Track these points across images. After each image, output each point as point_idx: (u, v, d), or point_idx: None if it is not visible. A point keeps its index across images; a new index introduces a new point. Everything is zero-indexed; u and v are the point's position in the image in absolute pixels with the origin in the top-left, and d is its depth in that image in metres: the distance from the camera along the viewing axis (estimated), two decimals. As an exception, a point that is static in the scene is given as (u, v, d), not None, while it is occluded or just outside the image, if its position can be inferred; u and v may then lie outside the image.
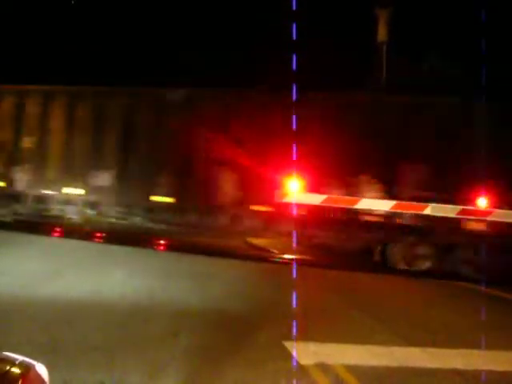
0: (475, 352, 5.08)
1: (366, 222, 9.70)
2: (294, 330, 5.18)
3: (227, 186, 10.02)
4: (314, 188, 9.44)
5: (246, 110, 10.32)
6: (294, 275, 8.36)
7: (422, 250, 9.44)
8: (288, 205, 9.60)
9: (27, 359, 1.62)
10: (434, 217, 9.21)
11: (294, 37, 10.80)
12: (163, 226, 10.81)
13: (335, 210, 9.66)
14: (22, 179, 11.21)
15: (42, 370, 1.65)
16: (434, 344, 5.25)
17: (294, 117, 8.94)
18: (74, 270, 7.67)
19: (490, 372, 4.53)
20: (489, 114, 9.07)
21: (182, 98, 10.49)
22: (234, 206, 10.08)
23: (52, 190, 11.12)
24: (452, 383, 4.35)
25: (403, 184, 9.35)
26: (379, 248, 9.74)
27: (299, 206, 9.59)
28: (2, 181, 11.41)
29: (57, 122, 11.25)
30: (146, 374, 3.97)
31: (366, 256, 9.78)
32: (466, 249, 9.31)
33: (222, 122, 10.29)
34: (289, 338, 4.98)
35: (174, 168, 10.44)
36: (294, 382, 4.04)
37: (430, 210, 9.17)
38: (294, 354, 4.65)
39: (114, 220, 10.91)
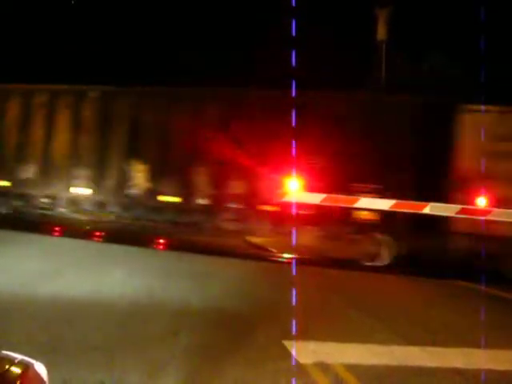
0: (475, 351, 5.08)
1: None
2: (294, 329, 5.17)
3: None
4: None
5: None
6: (294, 274, 8.37)
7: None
8: (288, 204, 9.61)
9: (26, 358, 1.62)
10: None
11: (294, 36, 10.80)
12: (84, 217, 11.32)
13: (334, 208, 9.66)
14: None
15: (41, 369, 1.65)
16: (434, 343, 5.25)
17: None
18: (73, 269, 7.67)
19: (490, 371, 4.53)
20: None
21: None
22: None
23: None
24: (452, 382, 4.35)
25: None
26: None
27: (299, 205, 9.59)
28: None
29: None
30: (145, 374, 3.97)
31: (366, 256, 9.76)
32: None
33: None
34: (288, 337, 4.98)
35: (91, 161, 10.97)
36: (294, 381, 4.04)
37: (429, 209, 9.18)
38: (294, 353, 4.65)
39: (41, 211, 11.35)
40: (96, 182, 10.89)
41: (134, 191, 10.59)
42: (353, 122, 9.70)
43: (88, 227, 11.24)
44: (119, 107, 11.01)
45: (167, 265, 8.77)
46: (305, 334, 5.09)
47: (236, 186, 10.10)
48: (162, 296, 6.50)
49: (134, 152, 10.73)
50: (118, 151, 10.83)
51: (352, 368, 4.36)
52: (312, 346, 4.92)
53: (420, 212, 9.21)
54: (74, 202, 11.21)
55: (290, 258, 9.89)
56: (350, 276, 8.99)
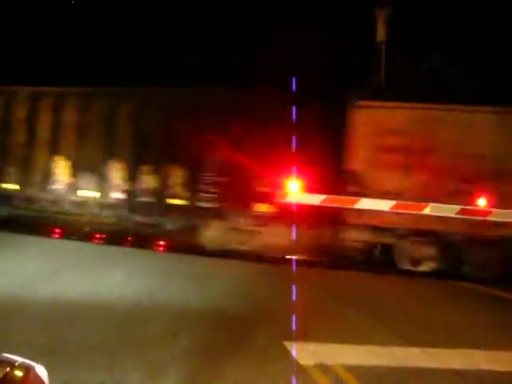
0: (475, 352, 5.09)
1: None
2: (294, 329, 5.18)
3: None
4: None
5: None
6: (294, 275, 8.37)
7: None
8: (288, 205, 9.61)
9: (27, 361, 1.62)
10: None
11: (294, 37, 10.81)
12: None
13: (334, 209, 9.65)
14: None
15: (41, 371, 1.64)
16: (434, 344, 5.25)
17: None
18: (73, 271, 7.68)
19: (490, 372, 4.54)
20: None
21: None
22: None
23: None
24: (452, 383, 4.36)
25: None
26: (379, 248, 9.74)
27: (298, 205, 9.59)
28: None
29: None
30: (145, 374, 3.98)
31: (366, 256, 9.77)
32: None
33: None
34: (288, 338, 4.98)
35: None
36: (294, 381, 4.05)
37: (430, 209, 9.18)
38: (294, 354, 4.65)
39: None
40: (23, 178, 11.34)
41: (57, 187, 11.05)
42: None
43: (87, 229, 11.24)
44: (43, 107, 11.43)
45: (167, 266, 8.77)
46: (305, 335, 5.10)
47: (147, 181, 10.49)
48: (162, 297, 6.50)
49: (56, 149, 11.20)
50: (43, 148, 11.30)
51: (352, 369, 4.37)
52: (312, 346, 4.92)
53: (421, 212, 9.21)
54: (5, 197, 11.56)
55: (289, 259, 9.89)
56: (349, 276, 9.00)
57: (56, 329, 4.90)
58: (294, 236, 9.26)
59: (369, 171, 9.25)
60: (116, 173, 10.60)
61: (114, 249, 10.04)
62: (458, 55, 13.50)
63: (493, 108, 9.16)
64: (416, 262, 9.33)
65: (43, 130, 11.28)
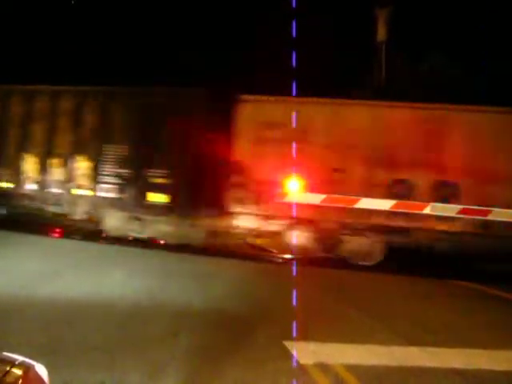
0: (475, 351, 5.09)
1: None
2: (294, 329, 5.18)
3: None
4: None
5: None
6: (294, 275, 8.37)
7: None
8: (288, 205, 9.63)
9: (27, 360, 1.63)
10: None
11: (294, 37, 10.83)
12: None
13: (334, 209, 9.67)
14: None
15: (41, 370, 1.65)
16: (434, 343, 5.25)
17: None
18: (73, 271, 7.68)
19: (490, 371, 4.54)
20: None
21: None
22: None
23: None
24: (452, 383, 4.35)
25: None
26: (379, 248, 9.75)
27: (298, 205, 9.62)
28: None
29: None
30: (146, 374, 3.98)
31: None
32: None
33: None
34: (289, 337, 4.99)
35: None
36: (294, 381, 4.05)
37: (430, 209, 9.20)
38: (294, 353, 4.66)
39: None
40: None
41: None
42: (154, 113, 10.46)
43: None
44: None
45: (167, 265, 8.77)
46: (305, 335, 5.10)
47: (56, 173, 10.89)
48: (162, 297, 6.50)
49: None
50: None
51: (352, 368, 4.37)
52: (312, 346, 4.92)
53: (421, 212, 9.22)
54: None
55: (290, 259, 9.91)
56: (349, 276, 9.00)
57: (56, 328, 4.90)
58: (188, 225, 10.07)
59: (251, 162, 9.74)
60: (30, 165, 11.11)
61: (115, 248, 10.05)
62: (458, 55, 13.50)
63: (365, 102, 9.93)
64: (301, 250, 9.83)
65: None
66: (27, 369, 1.57)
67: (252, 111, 9.87)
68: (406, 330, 5.76)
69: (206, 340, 4.91)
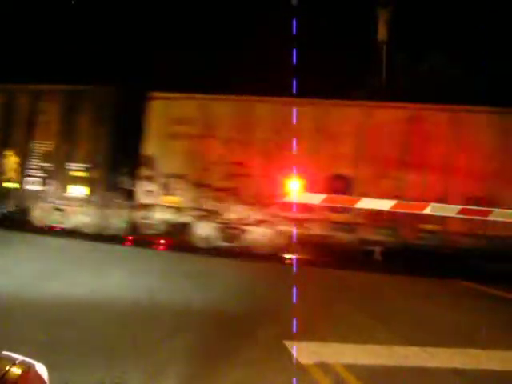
0: (475, 351, 5.08)
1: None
2: (295, 329, 5.18)
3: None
4: None
5: None
6: (294, 275, 8.37)
7: None
8: (288, 204, 9.64)
9: (27, 359, 1.62)
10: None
11: (294, 36, 10.82)
12: None
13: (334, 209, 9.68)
14: None
15: (42, 369, 1.64)
16: (434, 343, 5.24)
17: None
18: (73, 270, 7.68)
19: (490, 371, 4.54)
20: None
21: None
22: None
23: None
24: (452, 383, 4.35)
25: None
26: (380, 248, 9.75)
27: (299, 205, 9.63)
28: None
29: None
30: (146, 374, 3.98)
31: (366, 256, 9.78)
32: None
33: None
34: (289, 337, 4.98)
35: None
36: (294, 381, 4.04)
37: (430, 209, 9.21)
38: (295, 353, 4.65)
39: None
40: None
41: None
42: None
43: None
44: None
45: (167, 265, 8.77)
46: (305, 334, 5.09)
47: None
48: (162, 296, 6.50)
49: None
50: None
51: (353, 368, 4.36)
52: (313, 346, 4.92)
53: (421, 212, 9.22)
54: None
55: (290, 258, 9.91)
56: (350, 276, 9.00)
57: (56, 328, 4.89)
58: (106, 216, 10.66)
59: (158, 156, 10.40)
60: None
61: (114, 247, 10.04)
62: (458, 55, 13.49)
63: (268, 98, 10.34)
64: (206, 240, 10.33)
65: None
66: (27, 368, 1.56)
67: (163, 108, 10.51)
68: (407, 329, 5.76)
69: (206, 340, 4.91)
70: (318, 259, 9.75)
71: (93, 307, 5.78)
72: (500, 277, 8.54)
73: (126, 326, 5.19)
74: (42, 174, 11.15)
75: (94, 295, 6.29)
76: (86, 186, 10.89)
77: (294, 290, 6.42)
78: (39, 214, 11.13)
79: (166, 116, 10.43)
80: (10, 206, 11.33)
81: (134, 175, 10.56)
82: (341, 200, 9.54)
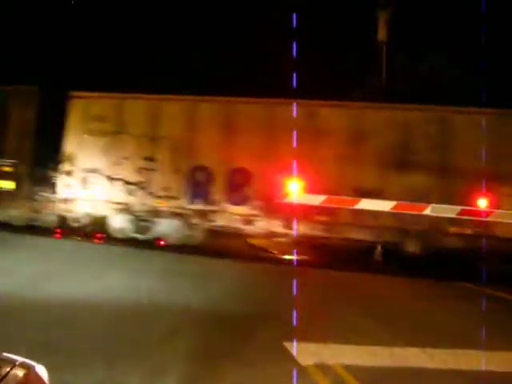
0: (475, 352, 5.07)
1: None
2: (294, 330, 5.17)
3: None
4: None
5: None
6: (294, 275, 8.36)
7: None
8: (288, 205, 9.63)
9: (27, 360, 1.62)
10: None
11: (294, 36, 10.84)
12: None
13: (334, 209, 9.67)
14: None
15: (42, 371, 1.64)
16: (434, 344, 5.24)
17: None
18: (73, 271, 7.68)
19: (490, 372, 4.53)
20: None
21: None
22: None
23: None
24: (451, 383, 4.35)
25: None
26: (379, 248, 9.75)
27: (299, 206, 9.62)
28: None
29: None
30: (146, 375, 3.97)
31: (366, 256, 9.78)
32: None
33: None
34: (289, 338, 4.98)
35: None
36: (294, 382, 4.04)
37: (430, 210, 9.21)
38: (294, 354, 4.65)
39: None
40: None
41: None
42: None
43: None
44: None
45: (167, 266, 8.77)
46: (305, 336, 5.09)
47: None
48: (162, 297, 6.50)
49: None
50: None
51: (352, 369, 4.36)
52: (312, 347, 4.92)
53: (421, 213, 9.21)
54: None
55: (290, 260, 9.92)
56: (350, 277, 9.00)
57: (56, 329, 4.89)
58: (32, 209, 11.18)
59: (78, 152, 11.01)
60: None
61: (114, 248, 10.03)
62: (458, 55, 13.50)
63: (176, 97, 10.90)
64: (120, 231, 10.84)
65: None
66: (27, 369, 1.57)
67: (84, 106, 11.13)
68: (407, 330, 5.76)
69: (207, 340, 4.91)
70: (318, 260, 9.75)
71: (93, 308, 5.78)
72: (500, 278, 8.54)
73: (126, 327, 5.18)
74: None
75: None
76: (13, 180, 11.36)
77: (294, 291, 6.42)
78: None
79: (88, 114, 11.03)
80: None
81: (57, 170, 11.13)
82: (340, 201, 9.53)
